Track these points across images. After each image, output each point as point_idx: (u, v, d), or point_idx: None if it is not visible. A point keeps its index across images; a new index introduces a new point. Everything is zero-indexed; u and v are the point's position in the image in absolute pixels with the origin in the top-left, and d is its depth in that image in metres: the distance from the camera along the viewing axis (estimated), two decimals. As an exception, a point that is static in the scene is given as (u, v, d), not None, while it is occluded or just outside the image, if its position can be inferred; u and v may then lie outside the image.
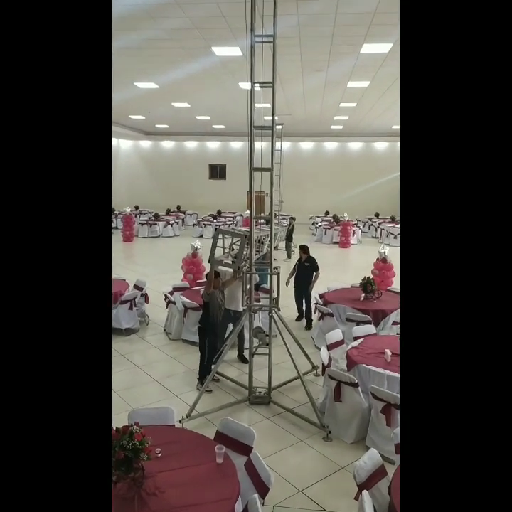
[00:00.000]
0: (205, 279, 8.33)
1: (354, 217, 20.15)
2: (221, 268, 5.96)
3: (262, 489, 2.90)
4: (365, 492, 2.76)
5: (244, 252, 5.27)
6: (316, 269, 7.72)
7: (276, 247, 13.65)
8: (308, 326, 7.57)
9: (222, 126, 21.97)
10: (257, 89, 4.73)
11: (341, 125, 20.57)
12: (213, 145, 26.38)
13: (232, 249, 5.56)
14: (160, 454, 3.06)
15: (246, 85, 4.73)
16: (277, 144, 13.38)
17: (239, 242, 5.33)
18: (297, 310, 7.93)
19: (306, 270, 7.69)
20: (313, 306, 7.60)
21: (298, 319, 7.89)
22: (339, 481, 3.90)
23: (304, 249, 7.90)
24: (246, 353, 6.03)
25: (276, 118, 4.74)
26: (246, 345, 6.53)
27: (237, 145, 25.27)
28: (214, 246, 5.15)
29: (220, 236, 5.48)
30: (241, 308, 6.17)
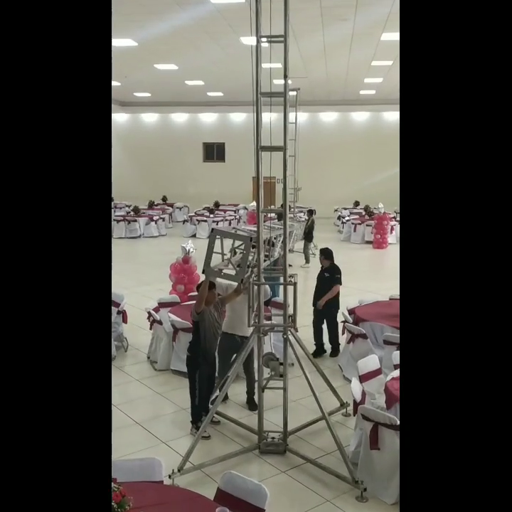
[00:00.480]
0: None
1: (392, 208, 20.09)
2: (220, 281, 5.94)
3: None
4: None
5: (250, 259, 5.27)
6: (337, 280, 7.46)
7: (291, 250, 13.67)
8: (334, 353, 7.52)
9: (220, 94, 22.11)
10: (264, 45, 4.74)
11: (373, 89, 20.61)
12: (208, 118, 26.52)
13: (235, 254, 5.55)
14: (144, 520, 3.06)
15: (250, 40, 4.75)
16: (291, 116, 13.39)
17: (242, 246, 5.31)
18: (314, 340, 7.60)
19: (325, 282, 7.47)
20: (340, 327, 7.56)
21: (316, 354, 7.44)
22: (378, 554, 3.87)
23: (325, 253, 7.75)
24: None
25: (289, 82, 4.75)
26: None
27: (239, 118, 25.37)
28: (210, 252, 5.13)
29: (218, 238, 5.44)
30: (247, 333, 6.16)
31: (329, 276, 7.39)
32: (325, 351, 7.52)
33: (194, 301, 7.72)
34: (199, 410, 5.48)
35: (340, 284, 7.44)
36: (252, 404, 6.04)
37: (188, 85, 19.67)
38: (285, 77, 4.60)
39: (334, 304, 7.50)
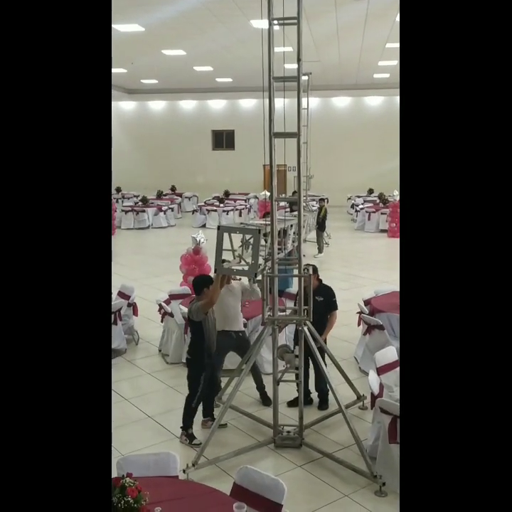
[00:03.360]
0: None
1: (407, 196, 19.95)
2: (245, 290, 5.97)
3: (297, 561, 2.90)
4: None
5: (261, 253, 5.24)
6: (333, 306, 6.00)
7: (304, 240, 13.64)
8: (323, 406, 5.96)
9: (229, 80, 22.01)
10: (276, 28, 4.71)
11: (388, 73, 20.41)
12: (217, 105, 26.43)
13: (247, 248, 5.51)
14: (161, 515, 3.08)
15: (261, 23, 4.71)
16: (303, 101, 13.31)
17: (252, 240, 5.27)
18: (297, 389, 5.52)
19: (318, 309, 5.52)
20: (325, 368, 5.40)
21: (291, 403, 5.89)
22: (398, 550, 3.88)
23: (313, 270, 5.79)
24: (269, 390, 5.83)
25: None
26: (267, 368, 6.55)
27: (249, 104, 25.26)
28: (219, 250, 5.10)
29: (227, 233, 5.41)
30: (243, 327, 6.15)
31: (323, 301, 5.77)
32: (312, 401, 6.00)
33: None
34: (192, 417, 5.38)
35: (337, 308, 6.06)
36: (265, 399, 6.04)
37: (196, 71, 19.60)
38: (298, 60, 4.57)
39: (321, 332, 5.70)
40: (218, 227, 5.20)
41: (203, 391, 5.35)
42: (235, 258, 5.41)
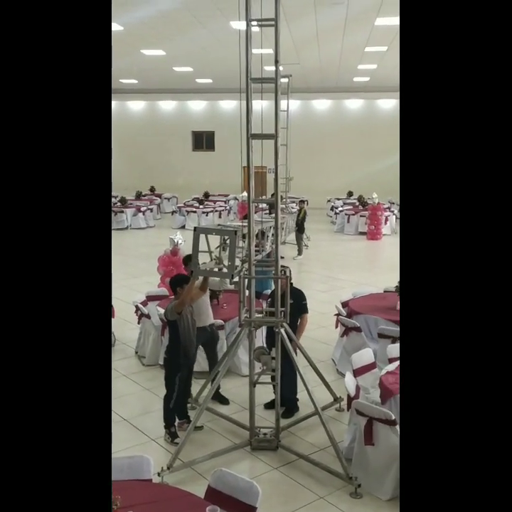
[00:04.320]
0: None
1: (386, 198, 20.14)
2: (213, 281, 6.00)
3: None
4: None
5: (239, 255, 5.24)
6: (303, 309, 5.95)
7: (283, 242, 13.67)
8: (288, 414, 5.82)
9: (209, 81, 21.99)
10: (255, 29, 4.71)
11: (367, 76, 20.59)
12: (197, 106, 26.38)
13: (225, 250, 5.51)
14: (133, 519, 3.05)
15: (239, 24, 4.71)
16: (283, 103, 13.35)
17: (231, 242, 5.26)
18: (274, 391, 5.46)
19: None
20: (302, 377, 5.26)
21: (268, 405, 5.88)
22: (372, 551, 3.90)
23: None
24: (245, 392, 5.77)
25: (281, 68, 4.73)
26: (243, 370, 6.55)
27: (229, 105, 25.25)
28: (196, 251, 5.10)
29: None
30: (213, 320, 6.24)
31: (293, 304, 5.39)
32: (298, 408, 5.95)
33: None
34: (173, 414, 5.41)
35: (308, 312, 6.04)
36: (220, 398, 6.09)
37: (176, 72, 19.53)
38: (276, 62, 4.59)
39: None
40: (194, 229, 5.19)
41: (180, 393, 5.34)
42: (212, 260, 5.40)
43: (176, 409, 5.42)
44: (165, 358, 5.54)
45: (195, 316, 5.61)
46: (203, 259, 5.75)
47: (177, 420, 5.49)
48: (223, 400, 6.12)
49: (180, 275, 5.79)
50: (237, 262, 5.27)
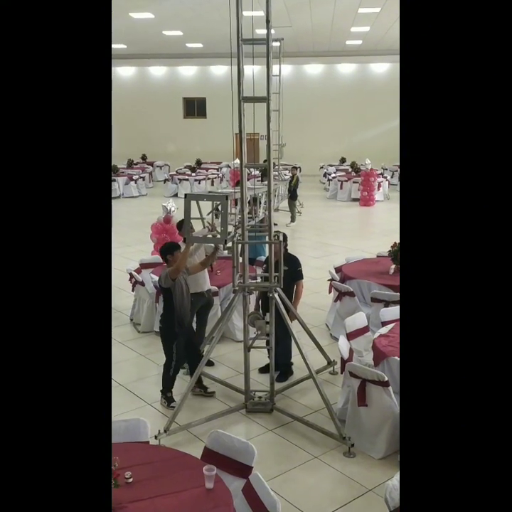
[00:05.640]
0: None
1: (379, 164, 20.05)
2: (206, 247, 5.99)
3: (266, 520, 2.97)
4: (399, 519, 2.83)
5: (232, 222, 5.22)
6: (298, 276, 5.90)
7: (276, 209, 13.61)
8: (283, 377, 5.87)
9: (200, 45, 21.58)
10: (246, -11, 4.60)
11: (360, 39, 20.26)
12: (188, 71, 25.93)
13: (217, 217, 5.49)
14: (131, 480, 3.11)
15: (230, -16, 4.59)
16: (275, 68, 13.11)
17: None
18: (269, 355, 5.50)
19: (283, 279, 5.17)
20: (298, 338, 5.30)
21: (263, 370, 5.93)
22: (366, 508, 4.00)
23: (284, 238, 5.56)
24: (240, 356, 5.65)
25: (272, 31, 4.63)
26: (238, 336, 6.59)
27: (220, 70, 24.85)
28: (187, 218, 5.08)
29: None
30: (210, 286, 6.26)
31: (287, 271, 5.38)
32: (292, 372, 5.98)
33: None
34: (172, 381, 5.42)
35: (303, 278, 5.99)
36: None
37: (165, 36, 19.14)
38: (267, 22, 4.50)
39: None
40: (185, 195, 5.15)
41: (179, 360, 5.39)
42: (204, 226, 5.39)
43: (173, 377, 5.45)
44: (160, 327, 5.50)
45: (192, 281, 5.61)
46: (198, 227, 5.75)
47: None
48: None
49: (169, 243, 5.76)
50: (230, 228, 5.26)
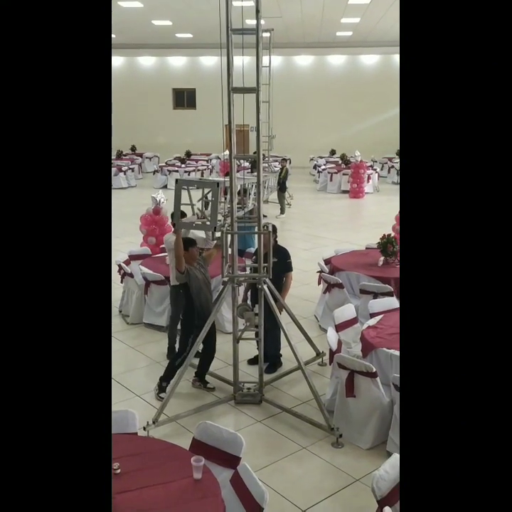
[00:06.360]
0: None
1: (369, 157, 20.08)
2: (195, 234, 5.94)
3: (254, 510, 2.98)
4: (387, 509, 2.85)
5: (221, 211, 5.20)
6: (288, 267, 5.91)
7: (266, 201, 13.60)
8: (271, 369, 5.87)
9: (189, 35, 21.42)
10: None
11: (350, 31, 20.20)
12: (178, 62, 25.75)
13: (207, 207, 5.47)
14: (119, 471, 3.11)
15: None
16: (264, 59, 13.06)
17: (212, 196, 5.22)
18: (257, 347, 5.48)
19: (272, 271, 5.16)
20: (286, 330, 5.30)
21: (252, 361, 5.96)
22: (353, 497, 4.03)
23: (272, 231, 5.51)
24: (229, 348, 5.70)
25: (262, 21, 4.60)
26: (227, 327, 6.59)
27: (210, 61, 24.70)
28: (177, 204, 5.04)
29: (185, 189, 5.33)
30: None
31: (278, 263, 5.39)
32: (281, 363, 6.01)
33: (166, 254, 7.71)
34: (174, 371, 5.35)
35: (292, 270, 6.01)
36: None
37: (155, 25, 18.97)
38: (257, 12, 4.47)
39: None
40: (176, 181, 5.12)
41: (190, 355, 5.29)
42: (194, 213, 5.36)
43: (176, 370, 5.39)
44: (181, 319, 5.58)
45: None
46: (189, 214, 5.71)
47: (192, 377, 5.57)
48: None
49: (183, 239, 5.61)
50: (220, 217, 5.24)
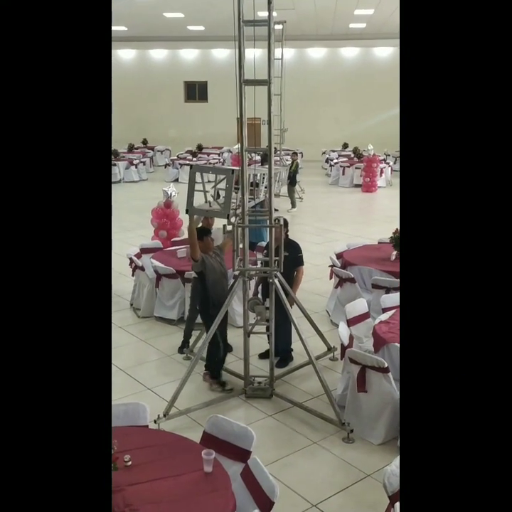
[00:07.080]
0: (182, 237, 8.34)
1: (382, 150, 19.94)
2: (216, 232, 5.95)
3: (264, 504, 2.99)
4: (398, 505, 2.85)
5: (234, 196, 5.18)
6: (299, 262, 5.89)
7: (277, 194, 13.56)
8: (282, 363, 5.87)
9: (201, 28, 21.38)
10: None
11: (364, 22, 20.05)
12: (190, 54, 25.71)
13: (219, 196, 5.48)
14: (130, 463, 3.13)
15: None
16: (277, 51, 12.99)
17: (226, 185, 5.21)
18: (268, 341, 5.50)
19: (283, 265, 5.15)
20: (297, 324, 5.28)
21: (263, 355, 5.95)
22: (364, 492, 4.03)
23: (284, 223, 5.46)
24: (240, 342, 5.69)
25: (274, 13, 4.58)
26: (238, 321, 6.60)
27: (222, 54, 24.65)
28: (191, 190, 5.04)
29: (199, 176, 5.34)
30: None
31: (289, 256, 5.41)
32: (292, 358, 6.00)
33: (177, 247, 7.74)
34: (222, 362, 5.47)
35: (303, 264, 5.95)
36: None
37: (166, 18, 18.95)
38: (269, 3, 4.44)
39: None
40: (190, 166, 5.14)
41: (224, 340, 5.53)
42: (206, 201, 5.34)
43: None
44: (198, 309, 5.69)
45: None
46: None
47: (203, 371, 5.57)
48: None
49: (198, 228, 5.62)
50: (232, 206, 5.23)
